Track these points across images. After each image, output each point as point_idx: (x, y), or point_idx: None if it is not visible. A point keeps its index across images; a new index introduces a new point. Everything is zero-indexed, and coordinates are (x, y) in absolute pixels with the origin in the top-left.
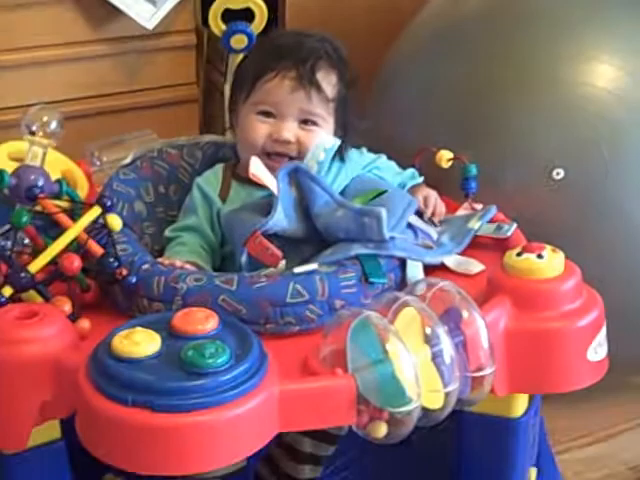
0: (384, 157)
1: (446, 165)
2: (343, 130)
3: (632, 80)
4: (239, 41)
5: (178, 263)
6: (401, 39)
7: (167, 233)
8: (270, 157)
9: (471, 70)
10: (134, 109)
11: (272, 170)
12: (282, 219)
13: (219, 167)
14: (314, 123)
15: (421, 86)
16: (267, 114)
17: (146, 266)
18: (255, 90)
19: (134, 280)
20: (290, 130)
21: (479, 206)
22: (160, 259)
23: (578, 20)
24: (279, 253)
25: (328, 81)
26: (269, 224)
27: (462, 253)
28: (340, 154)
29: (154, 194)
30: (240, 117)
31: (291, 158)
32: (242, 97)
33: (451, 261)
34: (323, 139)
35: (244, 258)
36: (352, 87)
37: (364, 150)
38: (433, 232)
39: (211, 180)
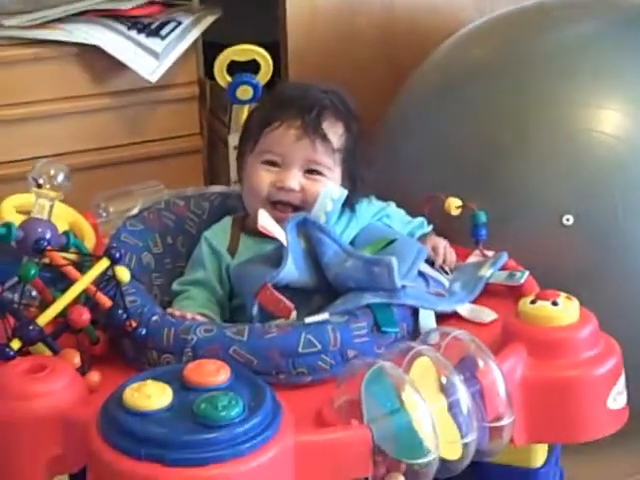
0: (393, 205)
1: (455, 212)
2: (351, 181)
3: None
4: (244, 92)
5: (189, 315)
6: (404, 90)
7: (175, 286)
8: (275, 207)
9: (478, 118)
10: (139, 160)
11: (279, 221)
12: (292, 271)
13: (227, 220)
14: (319, 173)
15: (429, 135)
16: (272, 163)
17: (155, 318)
18: (261, 140)
19: (144, 332)
20: (294, 178)
21: (490, 253)
22: (170, 310)
23: (586, 68)
24: (291, 305)
25: (334, 131)
26: (280, 276)
27: (474, 301)
28: (349, 204)
29: (162, 245)
30: (246, 167)
31: (296, 207)
32: (249, 148)
33: (464, 309)
34: (330, 189)
35: (255, 310)
36: (360, 139)
37: (373, 198)
38: (445, 280)
39: (219, 234)
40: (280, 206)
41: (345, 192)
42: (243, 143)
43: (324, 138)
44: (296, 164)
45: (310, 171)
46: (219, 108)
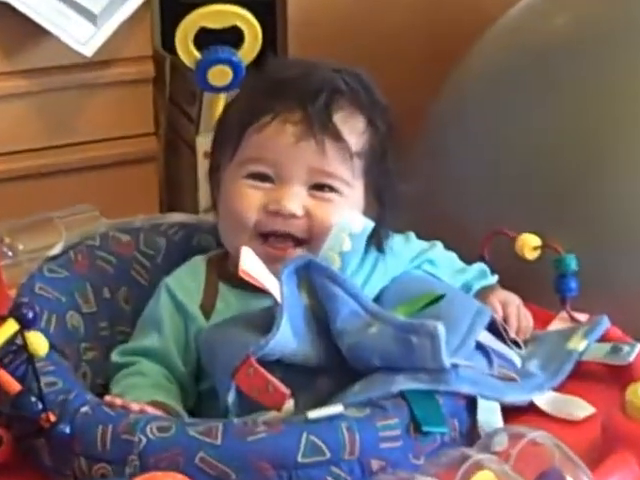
0: (439, 246)
1: (531, 256)
2: (379, 203)
3: None
4: (220, 75)
5: (134, 405)
6: (456, 75)
7: (116, 357)
8: (267, 241)
9: (559, 117)
10: (64, 172)
11: (272, 263)
12: (288, 338)
13: (199, 262)
14: (332, 189)
15: (489, 141)
16: (262, 177)
17: (85, 409)
18: (244, 143)
19: (67, 430)
20: (295, 198)
21: (583, 317)
22: (108, 398)
23: None
24: (285, 390)
25: (352, 126)
26: (269, 346)
27: (560, 388)
28: (376, 240)
29: (95, 301)
30: (224, 184)
31: (298, 242)
32: (226, 155)
33: (545, 400)
34: (349, 218)
35: (232, 397)
36: (390, 138)
37: (412, 236)
38: (516, 356)
39: (188, 282)
40: (275, 240)
41: (371, 224)
42: (218, 148)
43: (337, 137)
44: (297, 177)
45: (318, 187)
46: (183, 97)
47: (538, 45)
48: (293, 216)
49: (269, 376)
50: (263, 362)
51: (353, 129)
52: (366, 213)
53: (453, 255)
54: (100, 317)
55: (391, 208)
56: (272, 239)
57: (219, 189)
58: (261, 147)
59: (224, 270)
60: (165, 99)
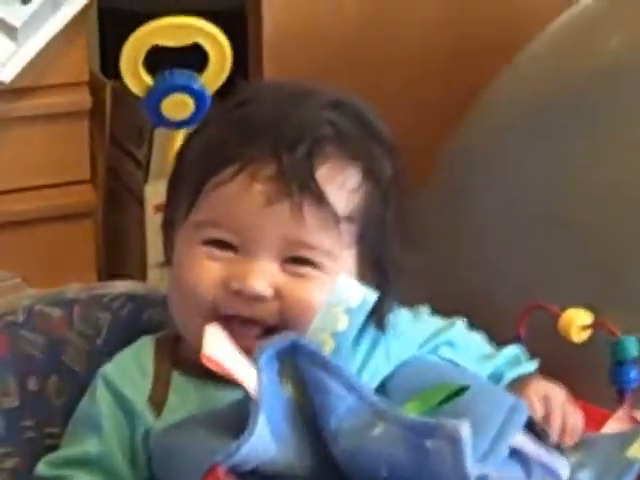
0: (461, 324)
1: (580, 338)
2: (379, 271)
3: None
4: (178, 106)
5: None
6: (481, 107)
7: (43, 470)
8: (230, 326)
9: (611, 167)
10: None
11: (243, 344)
12: (266, 442)
13: (146, 344)
14: (311, 264)
15: (523, 192)
16: (222, 245)
17: None
18: (201, 200)
19: None
20: (263, 275)
21: None
22: None
23: None
24: None
25: (340, 183)
26: (241, 452)
27: None
28: (376, 316)
29: (18, 394)
30: (177, 247)
31: (268, 329)
32: (181, 210)
33: None
34: (345, 287)
35: None
36: (395, 189)
37: (423, 311)
38: (562, 464)
39: (132, 372)
40: (238, 325)
41: (373, 294)
42: (172, 202)
43: (319, 199)
44: (266, 248)
45: (294, 260)
46: (129, 134)
47: (584, 72)
48: (260, 298)
49: None
50: (235, 473)
51: (342, 186)
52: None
53: (478, 337)
54: (24, 414)
55: (395, 278)
56: (235, 324)
57: (172, 250)
58: (222, 208)
59: (177, 354)
60: (105, 137)
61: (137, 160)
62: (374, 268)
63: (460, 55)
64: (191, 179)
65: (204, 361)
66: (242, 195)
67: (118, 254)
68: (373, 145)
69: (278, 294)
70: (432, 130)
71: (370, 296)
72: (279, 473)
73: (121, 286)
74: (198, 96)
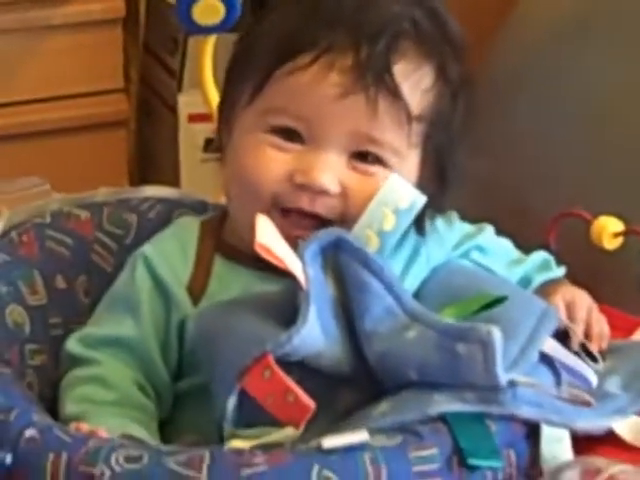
0: (489, 229)
1: (611, 245)
2: (439, 177)
3: None
4: (209, 11)
5: (85, 427)
6: (518, 17)
7: (74, 346)
8: (288, 217)
9: None
10: (7, 138)
11: (291, 240)
12: (316, 336)
13: (189, 225)
14: (378, 160)
15: (561, 101)
16: (289, 134)
17: (31, 432)
18: (271, 86)
19: (8, 460)
20: (331, 169)
21: None
22: (73, 425)
23: None
24: (309, 402)
25: (415, 81)
26: (293, 343)
27: None
28: (419, 223)
29: (46, 292)
30: (237, 132)
31: (327, 224)
32: (244, 93)
33: (628, 427)
34: (396, 187)
35: (232, 403)
36: (463, 96)
37: (454, 217)
38: (590, 372)
39: (173, 255)
40: (297, 217)
41: (422, 197)
42: (235, 79)
43: (395, 94)
44: (336, 141)
45: (362, 156)
46: (162, 43)
47: None
48: (325, 193)
49: (291, 382)
50: (281, 363)
51: (417, 85)
52: (419, 189)
53: (507, 242)
54: (51, 312)
55: (452, 185)
56: (294, 215)
57: (230, 135)
58: (294, 96)
59: (222, 239)
60: (139, 46)
61: (171, 69)
62: (435, 171)
63: None
64: (261, 63)
65: (257, 249)
66: (317, 84)
67: (151, 163)
68: (447, 46)
69: (343, 190)
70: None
71: (419, 199)
72: (324, 367)
73: (149, 191)
74: (229, 1)
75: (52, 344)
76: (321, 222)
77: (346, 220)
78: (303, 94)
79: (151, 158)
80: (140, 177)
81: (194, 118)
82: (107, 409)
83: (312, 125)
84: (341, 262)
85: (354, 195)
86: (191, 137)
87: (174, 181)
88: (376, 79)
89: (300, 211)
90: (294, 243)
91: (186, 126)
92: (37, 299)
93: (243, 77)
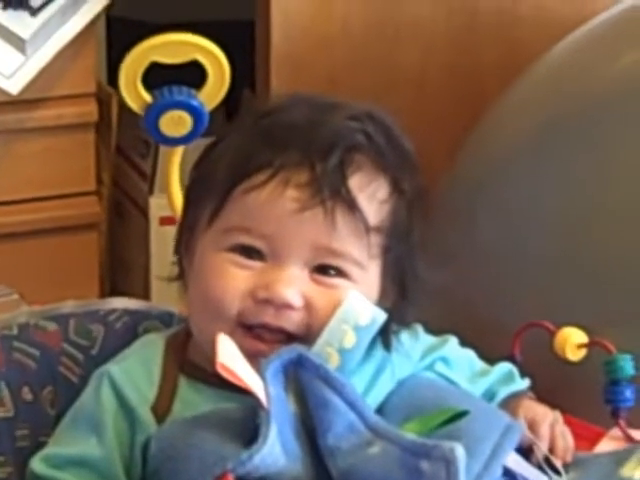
0: (453, 340)
1: (575, 356)
2: (399, 289)
3: None
4: (176, 123)
5: None
6: (481, 128)
7: (38, 466)
8: (252, 332)
9: (614, 188)
10: None
11: (255, 359)
12: (277, 454)
13: (154, 344)
14: (340, 273)
15: (524, 213)
16: (250, 252)
17: None
18: (230, 205)
19: None
20: (293, 283)
21: None
22: None
23: None
24: None
25: (371, 193)
26: (253, 462)
27: None
28: (384, 336)
29: (13, 404)
30: (199, 255)
31: (291, 339)
32: (204, 216)
33: None
34: (355, 304)
35: None
36: (419, 207)
37: (420, 330)
38: None
39: (138, 376)
40: (262, 331)
41: (382, 314)
42: (194, 204)
43: (352, 206)
44: (297, 256)
45: (323, 269)
46: (134, 147)
47: (588, 94)
48: (289, 306)
49: None
50: None
51: (373, 196)
52: (381, 302)
53: (471, 353)
54: (18, 424)
55: (414, 297)
56: (258, 330)
57: (190, 258)
58: (252, 213)
59: (186, 359)
60: (111, 149)
61: (143, 172)
62: (396, 282)
63: (461, 74)
64: (217, 184)
65: (218, 369)
66: (274, 200)
67: (122, 266)
68: (400, 160)
69: (307, 303)
70: (432, 150)
71: (380, 316)
72: None
73: (117, 302)
74: (196, 113)
75: (18, 456)
76: (286, 336)
77: (311, 333)
78: (261, 211)
79: (122, 260)
80: (111, 279)
81: (165, 221)
82: None
83: (272, 241)
84: (303, 379)
85: (318, 308)
86: (162, 239)
87: (145, 283)
88: (332, 193)
89: (265, 326)
90: (258, 358)
91: (157, 229)
92: (4, 411)
93: (201, 201)
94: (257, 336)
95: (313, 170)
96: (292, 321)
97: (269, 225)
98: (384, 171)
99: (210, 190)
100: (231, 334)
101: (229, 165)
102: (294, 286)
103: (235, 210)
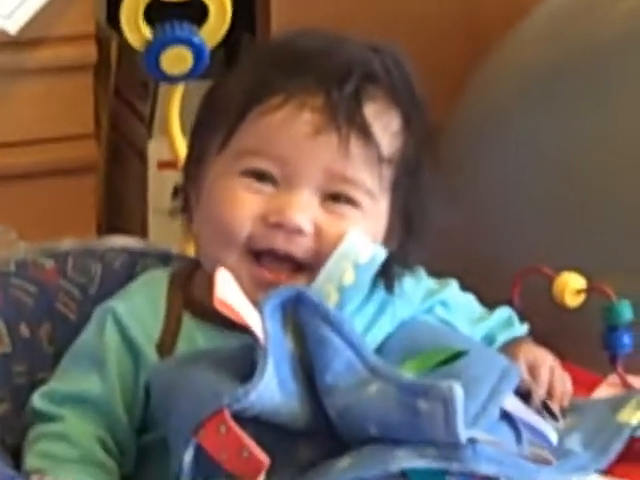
0: (454, 285)
1: (573, 302)
2: (406, 226)
3: None
4: (176, 60)
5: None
6: (484, 72)
7: (38, 402)
8: (260, 261)
9: (615, 130)
10: None
11: (262, 290)
12: (273, 391)
13: (159, 280)
14: (351, 202)
15: (528, 154)
16: (262, 176)
17: None
18: (243, 129)
19: None
20: (305, 209)
21: (638, 381)
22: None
23: None
24: (263, 458)
25: (385, 124)
26: (249, 398)
27: (608, 471)
28: (386, 277)
29: (10, 340)
30: (209, 181)
31: (299, 267)
32: (215, 143)
33: None
34: (354, 241)
35: (189, 456)
36: (427, 146)
37: (422, 273)
38: (551, 430)
39: (144, 312)
40: (270, 261)
41: (382, 252)
42: (203, 134)
43: (366, 134)
44: (310, 181)
45: (335, 197)
46: (133, 89)
47: (591, 36)
48: (299, 232)
49: (246, 438)
50: (237, 418)
51: (387, 127)
52: (387, 240)
53: (471, 297)
54: (16, 360)
55: (419, 236)
56: (267, 259)
57: (198, 187)
58: (266, 137)
59: (190, 295)
60: (109, 91)
61: (141, 115)
62: (402, 221)
63: (465, 17)
64: (231, 108)
65: (216, 304)
66: (289, 123)
67: (119, 210)
68: (412, 97)
69: (317, 230)
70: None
71: (379, 254)
72: (278, 423)
73: (116, 241)
74: (197, 50)
75: (15, 393)
76: (295, 265)
77: (317, 262)
78: (276, 133)
79: (120, 204)
80: (108, 223)
81: (163, 165)
82: (69, 466)
83: (285, 164)
84: (302, 317)
85: (326, 236)
86: (160, 184)
87: (142, 226)
88: (348, 119)
89: (274, 253)
90: (266, 290)
91: (155, 173)
92: (1, 347)
93: (213, 127)
94: (266, 266)
95: (329, 96)
96: (301, 247)
97: (283, 147)
98: (397, 104)
99: (223, 115)
100: (239, 261)
101: (243, 90)
102: (306, 212)
103: (249, 133)
